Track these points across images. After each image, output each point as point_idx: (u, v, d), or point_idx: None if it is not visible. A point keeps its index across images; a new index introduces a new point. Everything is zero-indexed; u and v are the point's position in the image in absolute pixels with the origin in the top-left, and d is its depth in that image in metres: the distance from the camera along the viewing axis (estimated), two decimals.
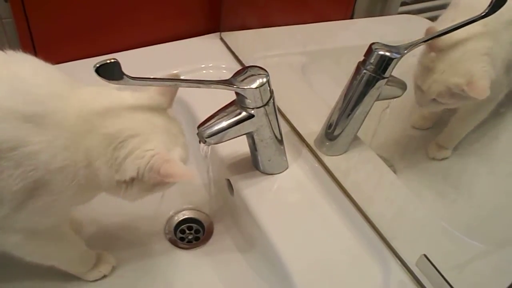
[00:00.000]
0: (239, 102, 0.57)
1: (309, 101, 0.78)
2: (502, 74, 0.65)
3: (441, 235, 0.59)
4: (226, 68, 0.82)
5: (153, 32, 0.85)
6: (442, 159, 0.77)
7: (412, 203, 0.63)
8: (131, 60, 0.78)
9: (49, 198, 0.46)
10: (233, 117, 0.57)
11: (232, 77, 0.56)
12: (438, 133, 0.79)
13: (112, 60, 0.43)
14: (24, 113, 0.42)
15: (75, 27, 0.78)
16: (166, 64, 0.80)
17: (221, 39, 0.89)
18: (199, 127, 0.57)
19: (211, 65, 0.83)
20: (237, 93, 0.56)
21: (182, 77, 0.53)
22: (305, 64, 0.84)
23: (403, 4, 0.97)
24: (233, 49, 0.86)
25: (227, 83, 0.55)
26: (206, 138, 0.57)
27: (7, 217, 0.45)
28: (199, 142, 0.58)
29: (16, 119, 0.41)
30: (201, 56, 0.85)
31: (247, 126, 0.58)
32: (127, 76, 0.44)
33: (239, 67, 0.83)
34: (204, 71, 0.82)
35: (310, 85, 0.82)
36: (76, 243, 0.58)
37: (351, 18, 0.99)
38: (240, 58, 0.84)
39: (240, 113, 0.57)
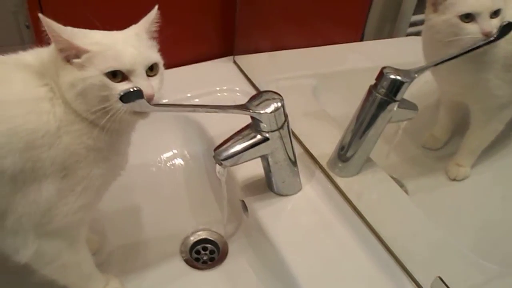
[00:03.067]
0: (254, 125, 0.59)
1: (322, 123, 0.80)
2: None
3: (455, 257, 0.59)
4: (240, 91, 0.85)
5: (169, 56, 0.88)
6: (463, 179, 0.78)
7: (426, 225, 0.63)
8: None
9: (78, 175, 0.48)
10: (248, 140, 0.59)
11: (248, 101, 0.58)
12: (449, 153, 0.80)
13: (135, 89, 0.45)
14: None
15: None
16: (182, 87, 0.83)
17: (235, 62, 0.92)
18: (215, 150, 0.59)
19: (225, 88, 0.85)
20: (252, 117, 0.58)
21: (200, 103, 0.55)
22: (316, 86, 0.86)
23: (412, 25, 0.99)
24: (246, 72, 0.89)
25: (243, 108, 0.57)
26: (222, 160, 0.58)
27: (47, 212, 0.47)
28: (216, 165, 0.60)
29: None
30: (216, 79, 0.87)
31: (262, 149, 0.60)
32: (152, 104, 0.47)
33: (252, 90, 0.85)
34: (219, 94, 0.84)
35: (322, 107, 0.84)
36: (90, 260, 0.59)
37: (361, 40, 1.01)
38: (253, 81, 0.87)
39: (255, 137, 0.59)
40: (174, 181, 0.79)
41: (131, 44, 0.47)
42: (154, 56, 0.50)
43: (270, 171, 0.64)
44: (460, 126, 0.79)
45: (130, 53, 0.46)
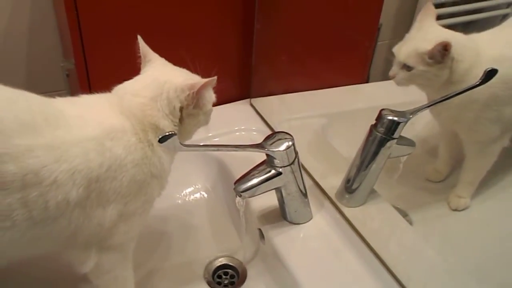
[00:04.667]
0: (269, 162, 0.68)
1: (330, 158, 0.88)
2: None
3: (452, 281, 0.65)
4: (256, 130, 0.94)
5: None
6: (464, 209, 0.84)
7: (425, 250, 0.69)
8: None
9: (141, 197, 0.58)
10: (264, 175, 0.67)
11: (263, 141, 0.67)
12: (452, 185, 0.86)
13: (171, 132, 0.54)
14: None
15: None
16: (205, 128, 0.92)
17: (251, 104, 1.01)
18: (235, 183, 0.67)
19: (243, 127, 0.94)
20: (267, 155, 0.67)
21: (221, 142, 0.63)
22: (325, 125, 0.94)
23: None
24: (261, 113, 0.98)
25: (259, 146, 0.66)
26: (241, 192, 0.67)
27: (109, 230, 0.56)
28: (236, 196, 0.68)
29: None
30: (234, 120, 0.96)
31: (276, 182, 0.68)
32: (182, 144, 0.56)
33: (267, 129, 0.94)
34: (237, 133, 0.93)
35: (330, 144, 0.92)
36: (133, 279, 0.67)
37: (367, 82, 1.09)
38: (268, 121, 0.95)
39: (270, 171, 0.67)
40: (198, 212, 0.86)
41: None
42: None
43: (283, 202, 0.72)
44: (460, 160, 0.86)
45: None
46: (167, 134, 0.54)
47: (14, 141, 0.48)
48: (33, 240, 0.53)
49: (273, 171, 0.67)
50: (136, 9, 0.83)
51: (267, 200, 0.74)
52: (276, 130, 0.92)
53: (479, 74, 0.64)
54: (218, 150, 0.64)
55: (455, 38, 0.71)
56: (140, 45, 0.65)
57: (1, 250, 0.53)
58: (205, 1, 0.88)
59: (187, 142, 0.62)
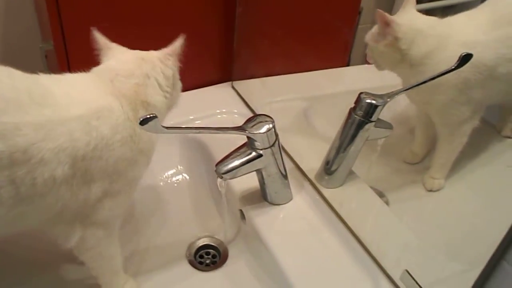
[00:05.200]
0: (250, 144, 0.69)
1: (310, 141, 0.90)
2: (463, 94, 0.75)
3: (423, 256, 0.67)
4: (238, 113, 0.94)
5: None
6: (438, 190, 0.87)
7: (399, 228, 0.72)
8: None
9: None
10: (245, 157, 0.68)
11: (244, 124, 0.68)
12: (428, 166, 0.89)
13: (152, 115, 0.54)
14: None
15: None
16: (187, 111, 0.91)
17: (233, 87, 1.02)
18: (217, 165, 0.68)
19: (224, 110, 0.95)
20: (248, 137, 0.68)
21: (202, 125, 0.64)
22: (306, 108, 0.96)
23: None
24: (243, 96, 0.99)
25: (240, 129, 0.67)
26: (223, 174, 0.68)
27: (96, 205, 0.57)
28: (217, 178, 0.69)
29: None
30: (216, 103, 0.97)
31: (257, 164, 0.69)
32: (163, 126, 0.56)
33: (249, 112, 0.95)
34: (219, 116, 0.94)
35: (310, 127, 0.94)
36: (120, 257, 0.68)
37: (347, 65, 1.11)
38: (250, 104, 0.96)
39: (250, 153, 0.68)
40: (179, 194, 0.87)
41: None
42: None
43: (264, 183, 0.74)
44: (436, 142, 0.89)
45: None
46: (148, 116, 0.54)
47: (0, 119, 0.49)
48: (19, 216, 0.54)
49: (253, 153, 0.68)
50: None
51: (248, 181, 0.75)
52: (258, 113, 0.92)
53: (444, 58, 0.66)
54: (199, 132, 0.65)
55: (415, 21, 0.73)
56: (96, 36, 0.65)
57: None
58: None
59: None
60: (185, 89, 0.98)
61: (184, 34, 0.92)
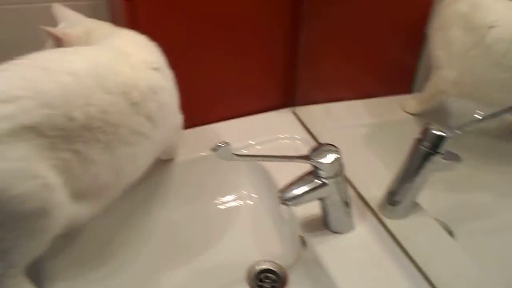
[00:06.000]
0: (314, 173, 0.70)
1: (372, 169, 0.89)
2: None
3: None
4: (300, 140, 0.95)
5: (236, 107, 1.02)
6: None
7: (468, 265, 0.70)
8: (219, 131, 0.96)
9: None
10: (309, 185, 0.69)
11: (310, 152, 0.69)
12: (498, 200, 0.84)
13: (225, 143, 0.57)
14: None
15: None
16: (247, 136, 0.95)
17: (294, 113, 1.04)
18: (280, 191, 0.70)
19: (286, 136, 0.96)
20: (313, 166, 0.69)
21: (263, 150, 0.66)
22: (368, 135, 0.96)
23: None
24: (304, 122, 1.00)
25: (306, 158, 0.68)
26: (286, 201, 0.69)
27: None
28: (279, 204, 0.70)
29: None
30: (277, 128, 0.98)
31: (321, 192, 0.70)
32: (234, 154, 0.59)
33: (310, 138, 0.96)
34: (280, 141, 0.95)
35: (372, 154, 0.93)
36: None
37: (410, 93, 1.09)
38: (311, 130, 0.97)
39: (315, 182, 0.69)
40: (240, 218, 0.89)
41: None
42: None
43: (326, 211, 0.74)
44: None
45: None
46: (220, 144, 0.57)
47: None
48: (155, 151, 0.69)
49: (318, 182, 0.69)
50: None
51: (309, 208, 0.75)
52: (320, 139, 0.94)
53: None
54: (266, 160, 0.67)
55: None
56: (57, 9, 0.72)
57: (141, 164, 0.67)
58: (251, 12, 0.91)
59: None
60: (245, 113, 1.02)
61: (247, 58, 0.96)
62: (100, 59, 0.61)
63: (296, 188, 0.69)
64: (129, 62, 0.63)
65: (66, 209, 0.55)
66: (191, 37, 0.88)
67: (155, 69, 0.67)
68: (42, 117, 0.51)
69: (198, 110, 0.97)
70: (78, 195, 0.57)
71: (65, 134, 0.53)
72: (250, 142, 0.94)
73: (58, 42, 0.67)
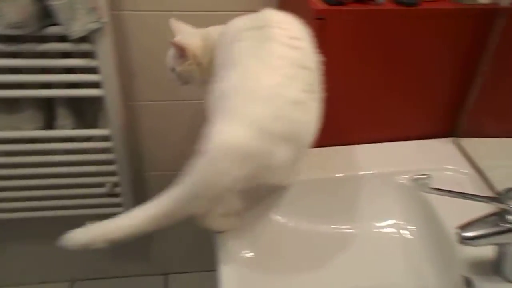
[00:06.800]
0: (500, 215, 0.66)
1: None
2: None
3: None
4: (462, 173, 0.90)
5: (396, 131, 1.00)
6: None
7: None
8: (376, 152, 0.93)
9: None
10: (495, 228, 0.65)
11: (502, 194, 0.65)
12: None
13: (426, 175, 0.57)
14: None
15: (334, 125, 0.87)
16: (404, 161, 0.93)
17: (456, 143, 0.98)
18: (460, 228, 0.67)
19: (450, 167, 0.92)
20: (502, 209, 0.65)
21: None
22: None
23: None
24: (470, 155, 0.93)
25: (495, 200, 0.65)
26: (465, 239, 0.66)
27: None
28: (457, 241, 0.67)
29: None
30: (438, 158, 0.94)
31: (504, 238, 0.66)
32: (431, 188, 0.58)
33: (474, 173, 0.90)
34: (445, 173, 0.91)
35: None
36: None
37: None
38: (479, 165, 0.90)
39: (502, 226, 0.65)
40: (392, 246, 0.86)
41: None
42: None
43: (504, 257, 0.69)
44: None
45: None
46: (423, 176, 0.57)
47: None
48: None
49: (505, 226, 0.65)
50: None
51: (477, 248, 0.71)
52: (488, 176, 0.88)
53: None
54: (457, 197, 0.65)
55: None
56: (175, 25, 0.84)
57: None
58: (428, 47, 0.89)
59: None
60: (402, 138, 1.00)
61: (413, 84, 0.93)
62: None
63: (479, 229, 0.66)
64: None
65: None
66: (364, 62, 0.89)
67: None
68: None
69: (361, 129, 0.99)
70: None
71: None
72: (406, 168, 0.90)
73: (182, 52, 0.80)
